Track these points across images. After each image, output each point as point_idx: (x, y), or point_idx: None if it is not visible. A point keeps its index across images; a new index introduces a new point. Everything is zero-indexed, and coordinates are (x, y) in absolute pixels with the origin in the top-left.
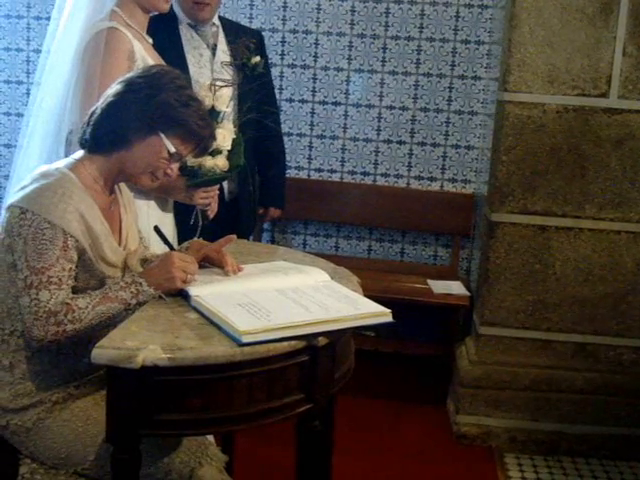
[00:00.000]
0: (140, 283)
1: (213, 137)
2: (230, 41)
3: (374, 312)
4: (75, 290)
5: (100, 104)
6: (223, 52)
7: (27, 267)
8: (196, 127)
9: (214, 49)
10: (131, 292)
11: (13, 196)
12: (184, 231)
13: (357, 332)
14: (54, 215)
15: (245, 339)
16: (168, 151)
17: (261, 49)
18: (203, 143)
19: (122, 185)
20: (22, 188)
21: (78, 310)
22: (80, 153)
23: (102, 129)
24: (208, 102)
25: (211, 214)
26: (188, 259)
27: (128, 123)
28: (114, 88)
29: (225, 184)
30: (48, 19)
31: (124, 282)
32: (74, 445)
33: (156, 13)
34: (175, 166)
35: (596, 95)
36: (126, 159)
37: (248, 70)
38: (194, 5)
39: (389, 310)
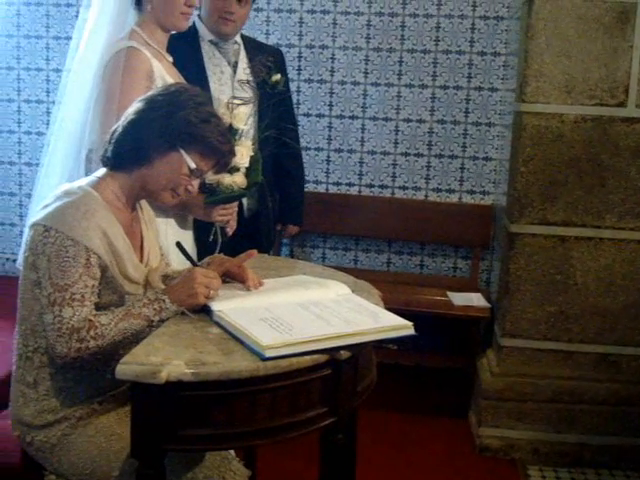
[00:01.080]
0: (163, 300)
1: (233, 153)
2: (251, 59)
3: (396, 325)
4: (98, 307)
5: (121, 122)
6: (244, 70)
7: (50, 284)
8: (216, 143)
9: (235, 66)
10: (154, 309)
11: (36, 214)
12: (203, 248)
13: (379, 345)
14: (77, 232)
15: (268, 353)
16: (189, 167)
17: (282, 67)
18: (223, 159)
19: (143, 202)
20: (45, 206)
21: (101, 327)
22: (102, 171)
23: (123, 147)
24: (226, 120)
25: (230, 231)
26: (211, 275)
27: (149, 140)
28: (135, 106)
29: (244, 201)
30: (67, 39)
31: (147, 299)
32: (98, 461)
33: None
34: (196, 182)
35: (614, 105)
36: (147, 176)
37: (268, 88)
38: (219, 19)
39: (411, 323)
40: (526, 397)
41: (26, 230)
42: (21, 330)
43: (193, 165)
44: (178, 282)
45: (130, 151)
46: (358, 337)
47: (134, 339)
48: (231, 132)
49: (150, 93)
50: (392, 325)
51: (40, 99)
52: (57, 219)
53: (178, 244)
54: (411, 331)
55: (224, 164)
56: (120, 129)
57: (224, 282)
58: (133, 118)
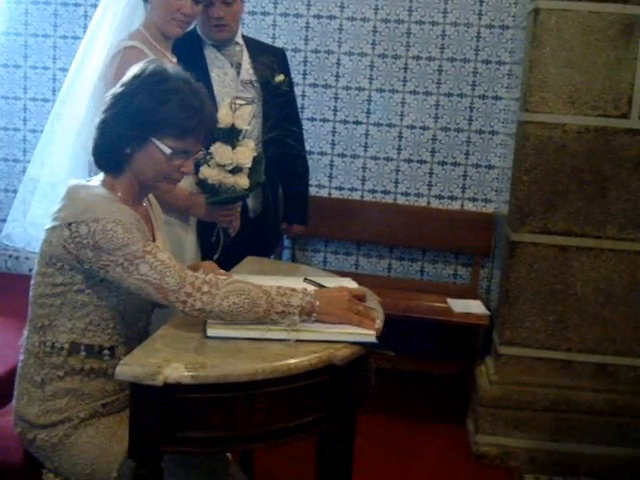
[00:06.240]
0: (292, 288)
1: (208, 122)
2: (254, 59)
3: (356, 331)
4: (116, 310)
5: (96, 125)
6: (247, 71)
7: (120, 255)
8: (182, 121)
9: (238, 68)
10: (278, 290)
11: (56, 215)
12: (206, 248)
13: (377, 351)
14: (117, 215)
15: (210, 333)
16: (167, 154)
17: (284, 67)
18: (201, 131)
19: (153, 202)
20: (62, 208)
21: (215, 278)
22: (102, 174)
23: (100, 152)
24: (228, 120)
25: (233, 232)
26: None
27: (118, 139)
28: (102, 106)
29: (249, 201)
30: (74, 38)
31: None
32: (98, 462)
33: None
34: (188, 162)
35: (617, 116)
36: (136, 173)
37: (272, 88)
38: (212, 28)
39: (373, 332)
40: (524, 405)
41: (43, 235)
42: (35, 328)
43: (168, 151)
44: (325, 291)
45: (107, 155)
46: (309, 334)
47: (249, 310)
48: (233, 133)
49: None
50: (353, 331)
51: (46, 97)
52: (93, 210)
53: (306, 279)
54: (372, 339)
55: (206, 134)
56: (95, 134)
57: None
58: (101, 119)
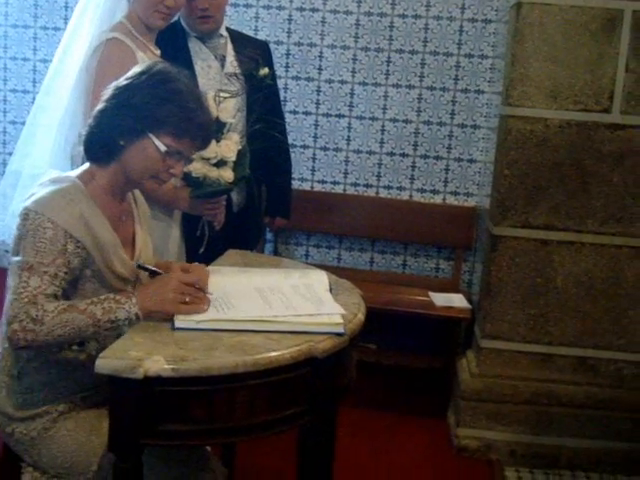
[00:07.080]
0: (117, 300)
1: (208, 124)
2: (238, 52)
3: (325, 321)
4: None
5: (92, 114)
6: (231, 64)
7: (24, 261)
8: (182, 122)
9: (223, 60)
10: (103, 308)
11: (24, 203)
12: (191, 242)
13: (358, 344)
14: (59, 217)
15: (177, 324)
16: (162, 151)
17: (268, 60)
18: (198, 135)
19: (139, 198)
20: (32, 194)
21: (42, 311)
22: (87, 164)
23: (93, 140)
24: (212, 113)
25: (218, 225)
26: (191, 280)
27: (115, 129)
28: (104, 95)
29: (233, 195)
30: (55, 29)
31: (102, 297)
32: (77, 455)
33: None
34: (179, 165)
35: (598, 110)
36: (125, 166)
37: (256, 81)
38: (197, 19)
39: (341, 322)
40: (505, 399)
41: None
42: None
43: (164, 148)
44: (149, 284)
45: (99, 143)
46: (277, 325)
47: (76, 336)
48: (218, 126)
49: (120, 79)
50: (320, 321)
51: (26, 89)
52: (41, 203)
53: (138, 266)
54: (340, 329)
55: (203, 138)
56: (91, 121)
57: None
58: (99, 108)
